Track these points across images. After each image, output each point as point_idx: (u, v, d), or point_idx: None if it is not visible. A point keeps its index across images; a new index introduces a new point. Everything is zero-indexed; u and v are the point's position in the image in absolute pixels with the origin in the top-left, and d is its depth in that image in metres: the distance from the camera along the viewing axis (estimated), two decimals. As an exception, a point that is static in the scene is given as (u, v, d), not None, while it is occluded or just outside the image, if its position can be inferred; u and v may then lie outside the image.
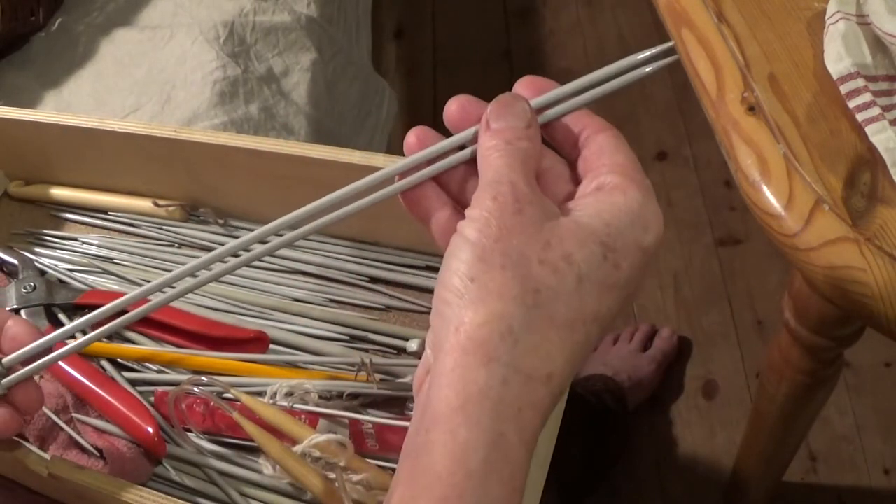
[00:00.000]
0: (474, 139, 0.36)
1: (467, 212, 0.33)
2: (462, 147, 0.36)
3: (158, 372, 0.60)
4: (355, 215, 0.39)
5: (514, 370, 0.30)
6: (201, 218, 0.69)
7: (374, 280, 0.64)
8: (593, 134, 0.36)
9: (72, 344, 0.43)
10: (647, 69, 0.38)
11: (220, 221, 0.69)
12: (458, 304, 0.31)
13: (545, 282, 0.31)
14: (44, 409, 0.56)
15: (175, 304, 0.63)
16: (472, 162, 0.36)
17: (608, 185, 0.34)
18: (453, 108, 0.36)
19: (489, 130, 0.35)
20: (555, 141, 0.37)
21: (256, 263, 0.67)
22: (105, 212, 0.73)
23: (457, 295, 0.31)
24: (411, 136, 0.37)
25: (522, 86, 0.37)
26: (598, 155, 0.35)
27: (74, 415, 0.57)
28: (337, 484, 0.49)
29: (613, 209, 0.33)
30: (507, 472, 0.30)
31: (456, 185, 0.37)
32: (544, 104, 0.37)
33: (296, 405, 0.54)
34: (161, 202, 0.69)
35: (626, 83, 0.38)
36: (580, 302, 0.32)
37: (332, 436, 0.50)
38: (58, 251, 0.71)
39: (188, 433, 0.57)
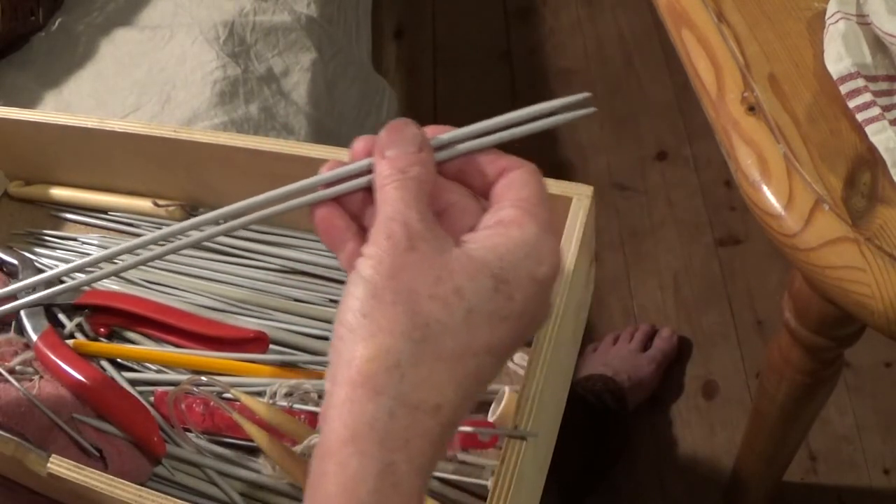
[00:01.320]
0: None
1: (364, 249, 0.34)
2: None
3: (158, 372, 0.60)
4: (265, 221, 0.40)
5: (401, 403, 0.31)
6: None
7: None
8: (508, 171, 0.37)
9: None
10: (563, 116, 0.38)
11: (220, 221, 0.69)
12: (350, 339, 0.32)
13: (434, 316, 0.32)
14: (44, 409, 0.56)
15: (175, 305, 0.63)
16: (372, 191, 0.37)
17: (507, 218, 0.35)
18: (359, 146, 0.37)
19: (383, 159, 0.35)
20: (467, 178, 0.38)
21: (255, 262, 0.67)
22: (105, 212, 0.73)
23: (349, 330, 0.32)
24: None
25: (430, 130, 0.37)
26: (506, 189, 0.36)
27: (74, 415, 0.57)
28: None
29: (508, 242, 0.34)
30: (397, 500, 0.31)
31: (367, 218, 0.37)
32: (449, 141, 0.37)
33: (296, 405, 0.54)
34: (161, 202, 0.69)
35: (539, 129, 0.38)
36: (469, 334, 0.32)
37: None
38: (58, 251, 0.71)
39: (188, 433, 0.57)
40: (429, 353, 0.32)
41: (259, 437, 0.52)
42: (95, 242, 0.71)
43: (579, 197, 0.53)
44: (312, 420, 0.54)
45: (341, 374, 0.32)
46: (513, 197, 0.35)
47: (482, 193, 0.37)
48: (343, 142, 1.09)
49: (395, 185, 0.35)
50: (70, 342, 0.60)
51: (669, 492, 1.21)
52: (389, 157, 0.35)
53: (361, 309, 0.32)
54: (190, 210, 0.70)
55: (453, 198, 0.37)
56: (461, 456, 0.52)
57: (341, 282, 0.64)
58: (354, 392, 0.31)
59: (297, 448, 0.50)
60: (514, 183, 0.36)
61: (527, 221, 0.34)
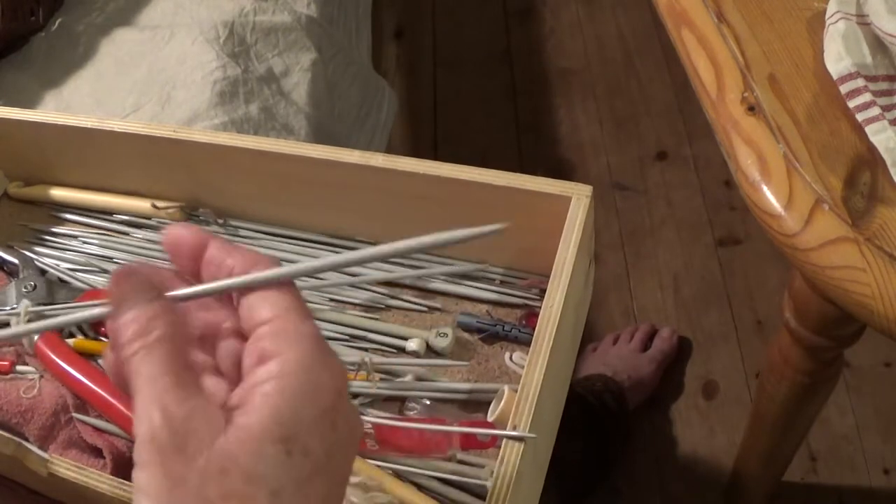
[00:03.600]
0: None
1: (135, 454, 0.29)
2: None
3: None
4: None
5: None
6: (201, 218, 0.69)
7: (374, 281, 0.64)
8: (240, 293, 0.31)
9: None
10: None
11: (220, 221, 0.69)
12: None
13: None
14: (43, 408, 0.56)
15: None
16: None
17: (264, 355, 0.29)
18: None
19: (115, 325, 0.30)
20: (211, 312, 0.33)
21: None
22: (104, 212, 0.73)
23: None
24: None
25: (169, 240, 0.33)
26: (249, 316, 0.31)
27: (74, 414, 0.57)
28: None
29: (279, 392, 0.28)
30: None
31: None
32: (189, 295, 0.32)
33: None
34: (160, 204, 0.69)
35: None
36: None
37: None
38: (58, 251, 0.71)
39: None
40: None
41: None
42: (96, 242, 0.71)
43: (578, 196, 0.53)
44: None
45: None
46: (257, 323, 0.30)
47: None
48: (343, 142, 1.09)
49: (141, 357, 0.29)
50: (70, 342, 0.60)
51: (669, 492, 1.21)
52: (124, 322, 0.30)
53: None
54: (189, 211, 0.70)
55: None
56: (461, 456, 0.52)
57: (341, 282, 0.64)
58: None
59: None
60: (253, 304, 0.31)
61: (284, 350, 0.29)
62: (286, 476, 0.28)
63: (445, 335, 0.59)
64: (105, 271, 0.68)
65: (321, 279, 0.64)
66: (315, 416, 0.29)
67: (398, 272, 0.63)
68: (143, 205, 0.71)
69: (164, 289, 0.32)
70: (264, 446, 0.28)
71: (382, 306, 0.63)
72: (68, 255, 0.70)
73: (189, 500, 0.27)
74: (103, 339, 0.62)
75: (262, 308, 0.31)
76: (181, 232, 0.33)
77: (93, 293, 0.64)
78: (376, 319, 0.62)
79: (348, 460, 0.30)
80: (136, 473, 0.28)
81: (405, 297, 0.63)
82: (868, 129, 0.52)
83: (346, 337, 0.61)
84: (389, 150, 1.16)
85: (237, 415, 0.29)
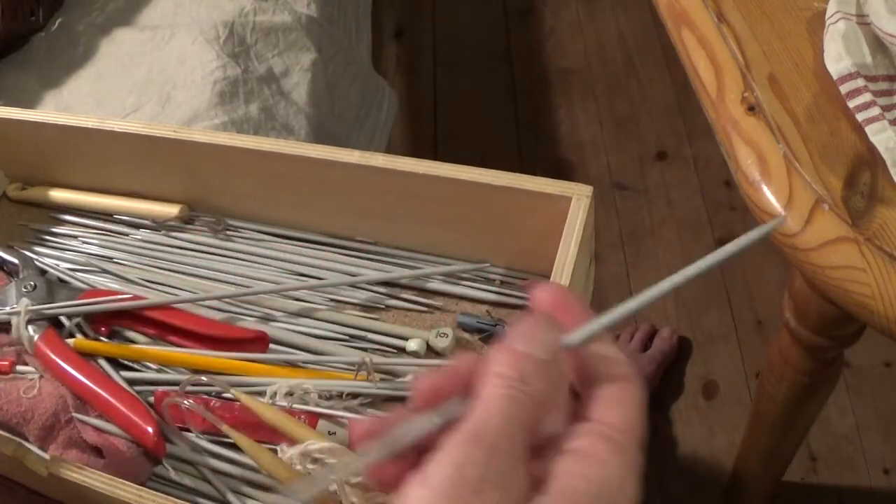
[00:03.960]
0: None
1: (417, 481, 0.26)
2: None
3: (158, 371, 0.60)
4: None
5: None
6: (201, 221, 0.69)
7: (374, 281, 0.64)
8: (607, 380, 0.30)
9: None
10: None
11: (218, 227, 0.69)
12: None
13: None
14: (43, 408, 0.56)
15: (176, 305, 0.63)
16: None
17: (586, 449, 0.28)
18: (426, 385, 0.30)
19: (504, 352, 0.28)
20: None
21: (255, 262, 0.67)
22: (104, 213, 0.72)
23: None
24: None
25: (545, 299, 0.31)
26: (595, 403, 0.30)
27: (74, 414, 0.57)
28: (335, 487, 0.49)
29: (585, 490, 0.27)
30: None
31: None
32: (581, 341, 0.30)
33: (295, 405, 0.54)
34: (159, 220, 0.70)
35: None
36: None
37: (326, 444, 0.50)
38: (58, 250, 0.71)
39: (187, 433, 0.57)
40: None
41: (249, 449, 0.52)
42: (95, 242, 0.71)
43: (579, 197, 0.53)
44: (312, 420, 0.54)
45: None
46: (598, 417, 0.29)
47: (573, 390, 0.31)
48: (343, 142, 1.09)
49: (504, 395, 0.27)
50: (70, 342, 0.60)
51: (669, 492, 1.21)
52: (515, 351, 0.28)
53: None
54: (189, 216, 0.70)
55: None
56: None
57: (341, 282, 0.64)
58: None
59: (293, 451, 0.50)
60: (606, 398, 0.30)
61: (608, 457, 0.28)
62: None
63: (445, 335, 0.59)
64: (105, 271, 0.68)
65: (321, 279, 0.64)
66: None
67: (397, 272, 0.63)
68: (143, 207, 0.71)
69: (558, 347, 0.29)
70: None
71: (382, 306, 0.63)
72: (68, 254, 0.70)
73: None
74: (103, 339, 0.62)
75: (607, 398, 0.30)
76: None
77: (93, 293, 0.64)
78: (376, 320, 0.62)
79: None
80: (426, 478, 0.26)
81: (405, 297, 0.63)
82: (868, 129, 0.52)
83: (346, 337, 0.61)
84: (389, 150, 1.16)
85: (548, 490, 0.27)
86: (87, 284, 0.66)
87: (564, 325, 0.30)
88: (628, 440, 0.29)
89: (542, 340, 0.28)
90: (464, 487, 0.26)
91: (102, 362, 0.60)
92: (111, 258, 0.69)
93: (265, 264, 0.66)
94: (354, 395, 0.56)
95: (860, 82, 0.53)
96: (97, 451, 0.55)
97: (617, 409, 0.30)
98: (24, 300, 0.63)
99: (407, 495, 0.26)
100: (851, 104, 0.53)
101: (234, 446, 0.56)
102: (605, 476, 0.28)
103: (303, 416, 0.54)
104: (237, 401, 0.54)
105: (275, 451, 0.52)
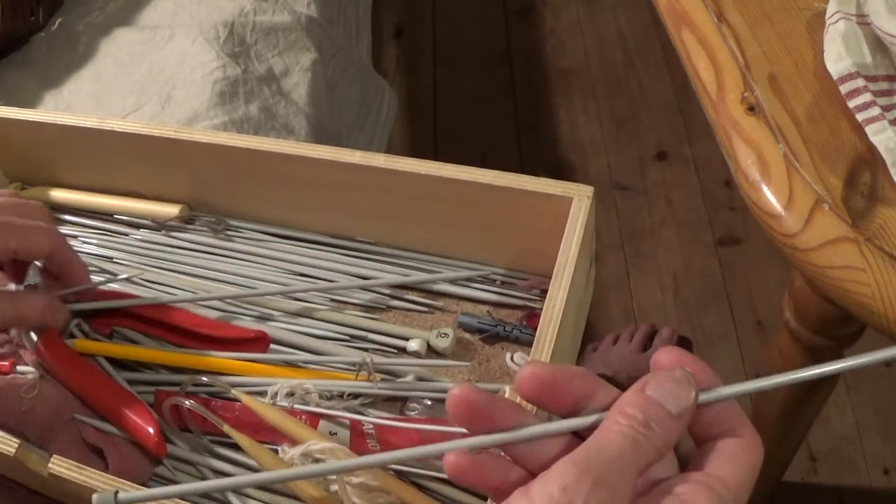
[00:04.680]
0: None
1: (531, 493, 0.27)
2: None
3: (158, 372, 0.60)
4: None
5: None
6: (201, 221, 0.69)
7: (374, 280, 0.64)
8: (725, 434, 0.31)
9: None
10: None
11: (218, 227, 0.69)
12: None
13: None
14: (44, 408, 0.56)
15: (177, 305, 0.63)
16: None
17: (690, 497, 0.28)
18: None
19: (639, 393, 0.30)
20: None
21: (255, 262, 0.67)
22: (104, 213, 0.72)
23: None
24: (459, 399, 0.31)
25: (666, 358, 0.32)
26: (710, 454, 0.30)
27: (75, 415, 0.57)
28: (336, 487, 0.49)
29: None
30: None
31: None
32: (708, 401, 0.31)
33: (296, 405, 0.54)
34: (159, 219, 0.70)
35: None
36: None
37: (327, 444, 0.50)
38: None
39: (188, 434, 0.57)
40: None
41: (251, 449, 0.52)
42: (95, 241, 0.71)
43: (579, 197, 0.53)
44: (313, 420, 0.54)
45: None
46: (711, 469, 0.29)
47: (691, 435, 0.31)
48: (343, 142, 1.09)
49: (626, 434, 0.28)
50: (70, 342, 0.60)
51: (669, 492, 1.21)
52: (647, 396, 0.29)
53: None
54: (189, 217, 0.70)
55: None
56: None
57: (352, 285, 0.64)
58: None
59: (294, 452, 0.50)
60: (722, 452, 0.30)
61: None
62: None
63: (446, 335, 0.59)
64: (105, 271, 0.68)
65: (321, 279, 0.64)
66: None
67: (412, 276, 0.63)
68: (143, 205, 0.71)
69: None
70: None
71: (383, 307, 0.63)
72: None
73: None
74: (101, 338, 0.62)
75: (723, 452, 0.30)
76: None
77: (94, 293, 0.64)
78: (377, 320, 0.62)
79: None
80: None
81: (406, 297, 0.63)
82: (868, 129, 0.52)
83: (347, 337, 0.61)
84: (389, 150, 1.16)
85: None
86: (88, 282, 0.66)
87: (700, 383, 0.30)
88: (733, 498, 0.29)
89: (675, 395, 0.29)
90: None
91: (103, 362, 0.60)
92: (111, 258, 0.69)
93: (265, 264, 0.66)
94: (355, 396, 0.56)
95: (860, 82, 0.53)
96: (98, 451, 0.55)
97: (731, 465, 0.30)
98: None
99: None
100: (851, 104, 0.53)
101: (234, 447, 0.56)
102: None
103: (304, 417, 0.54)
104: (238, 401, 0.54)
105: (276, 452, 0.52)
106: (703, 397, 0.30)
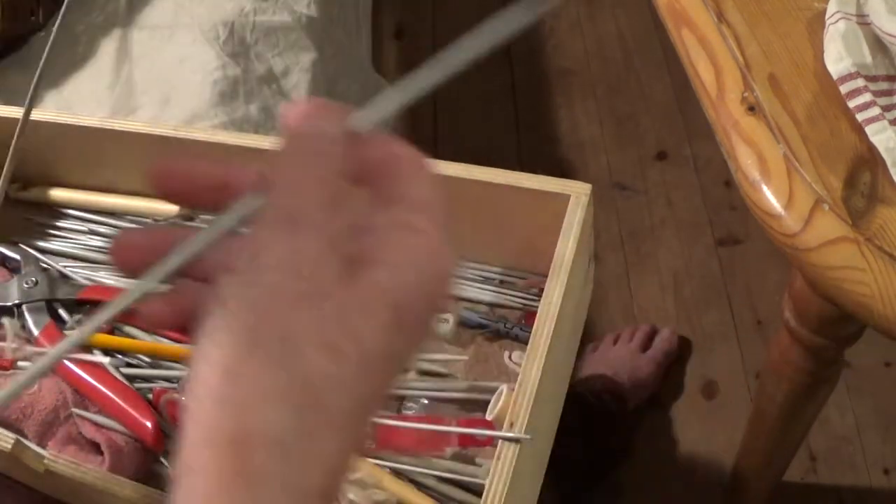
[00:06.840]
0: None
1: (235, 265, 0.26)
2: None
3: (158, 367, 0.60)
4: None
5: (286, 492, 0.24)
6: (201, 220, 0.69)
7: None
8: (396, 159, 0.30)
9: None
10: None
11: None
12: (210, 406, 0.24)
13: (322, 370, 0.24)
14: (43, 404, 0.56)
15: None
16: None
17: (411, 224, 0.28)
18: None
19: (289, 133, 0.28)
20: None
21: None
22: (104, 213, 0.72)
23: (208, 393, 0.24)
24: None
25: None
26: (397, 183, 0.30)
27: (74, 410, 0.57)
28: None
29: (414, 261, 0.27)
30: None
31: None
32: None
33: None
34: (160, 218, 0.70)
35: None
36: (363, 386, 0.25)
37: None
38: (59, 247, 0.71)
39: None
40: (316, 420, 0.24)
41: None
42: (96, 241, 0.71)
43: (577, 195, 0.53)
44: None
45: (201, 457, 0.24)
46: (404, 195, 0.29)
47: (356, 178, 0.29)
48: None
49: (300, 156, 0.28)
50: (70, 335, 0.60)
51: (669, 492, 1.21)
52: (299, 129, 0.29)
53: (225, 364, 0.24)
54: (189, 216, 0.70)
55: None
56: (460, 453, 0.52)
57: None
58: (221, 485, 0.23)
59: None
60: (403, 179, 0.30)
61: (426, 225, 0.28)
62: (380, 346, 0.25)
63: (447, 320, 0.59)
64: (104, 271, 0.68)
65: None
66: (426, 299, 0.27)
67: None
68: (143, 204, 0.71)
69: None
70: (380, 307, 0.26)
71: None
72: (69, 250, 0.70)
73: (277, 336, 0.24)
74: (100, 332, 0.62)
75: (411, 177, 0.30)
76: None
77: (95, 289, 0.64)
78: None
79: (408, 359, 0.28)
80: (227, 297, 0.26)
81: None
82: (868, 129, 0.52)
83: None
84: (389, 149, 1.16)
85: (371, 265, 0.27)
86: (89, 280, 0.66)
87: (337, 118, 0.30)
88: (439, 210, 0.29)
89: (324, 124, 0.29)
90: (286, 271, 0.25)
91: (102, 358, 0.60)
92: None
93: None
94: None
95: (860, 82, 0.53)
96: (96, 446, 0.55)
97: (417, 186, 0.30)
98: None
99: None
100: (851, 104, 0.53)
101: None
102: (429, 244, 0.28)
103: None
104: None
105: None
106: (360, 119, 0.31)
